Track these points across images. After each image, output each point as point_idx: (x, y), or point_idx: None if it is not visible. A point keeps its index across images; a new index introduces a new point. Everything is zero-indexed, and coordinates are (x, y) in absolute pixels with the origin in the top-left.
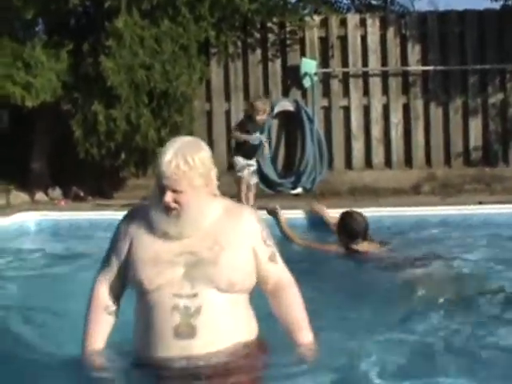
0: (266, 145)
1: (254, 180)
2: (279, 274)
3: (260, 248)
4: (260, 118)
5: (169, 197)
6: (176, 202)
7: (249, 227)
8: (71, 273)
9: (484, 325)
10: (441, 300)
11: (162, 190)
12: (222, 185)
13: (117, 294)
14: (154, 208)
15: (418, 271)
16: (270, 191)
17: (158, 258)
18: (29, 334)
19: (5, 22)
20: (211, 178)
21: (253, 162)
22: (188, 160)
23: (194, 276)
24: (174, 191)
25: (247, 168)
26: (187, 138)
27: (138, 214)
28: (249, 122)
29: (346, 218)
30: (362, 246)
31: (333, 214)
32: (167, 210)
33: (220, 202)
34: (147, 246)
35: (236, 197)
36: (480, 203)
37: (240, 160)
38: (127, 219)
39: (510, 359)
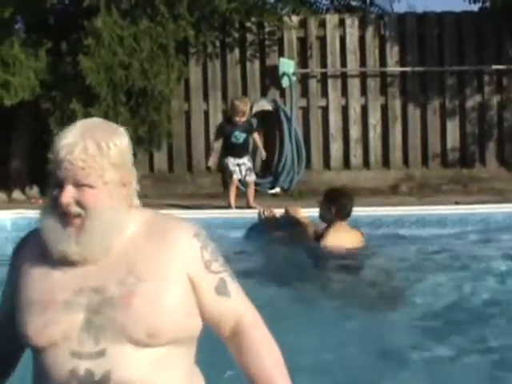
0: (257, 140)
1: (251, 178)
2: (236, 310)
3: (201, 277)
4: (239, 119)
5: (68, 194)
6: (79, 204)
7: (182, 248)
8: None
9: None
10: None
11: (59, 185)
12: (201, 187)
13: (9, 347)
14: (48, 220)
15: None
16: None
17: (48, 300)
18: None
19: None
20: (130, 177)
21: (244, 160)
22: (101, 144)
23: (98, 325)
24: (78, 186)
25: (238, 167)
26: (101, 120)
27: (34, 236)
28: (228, 124)
29: (333, 191)
30: (344, 227)
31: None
32: (66, 217)
33: (140, 213)
34: (36, 282)
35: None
36: (456, 203)
37: (231, 160)
38: (21, 244)
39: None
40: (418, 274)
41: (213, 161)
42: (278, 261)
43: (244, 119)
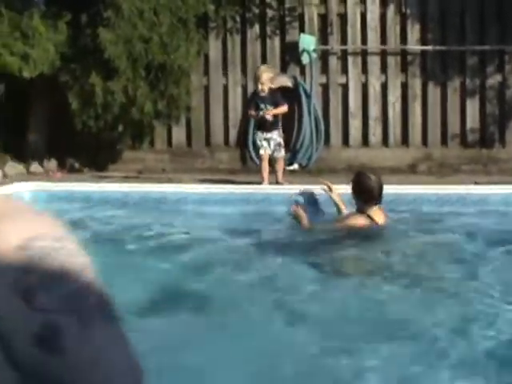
0: (269, 116)
1: (279, 154)
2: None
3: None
4: (261, 88)
5: None
6: None
7: None
8: None
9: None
10: None
11: None
12: (220, 161)
13: None
14: None
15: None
16: None
17: None
18: None
19: None
20: None
21: (272, 134)
22: None
23: None
24: None
25: (266, 141)
26: None
27: None
28: (256, 96)
29: (360, 177)
30: (376, 213)
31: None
32: None
33: None
34: None
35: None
36: (476, 183)
37: (259, 134)
38: None
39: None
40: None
41: (253, 113)
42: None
43: (266, 90)
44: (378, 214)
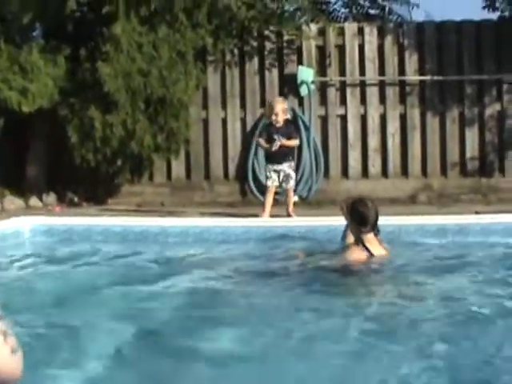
0: (276, 147)
1: (288, 184)
2: None
3: None
4: (275, 119)
5: None
6: None
7: None
8: (66, 277)
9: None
10: None
11: None
12: (219, 195)
13: None
14: None
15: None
16: None
17: None
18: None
19: (1, 25)
20: None
21: (284, 166)
22: None
23: None
24: None
25: (276, 173)
26: None
27: None
28: (269, 127)
29: (356, 203)
30: (372, 244)
31: (329, 221)
32: None
33: None
34: None
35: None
36: (477, 213)
37: (269, 166)
38: None
39: None
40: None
41: (262, 142)
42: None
43: (281, 122)
44: (374, 245)
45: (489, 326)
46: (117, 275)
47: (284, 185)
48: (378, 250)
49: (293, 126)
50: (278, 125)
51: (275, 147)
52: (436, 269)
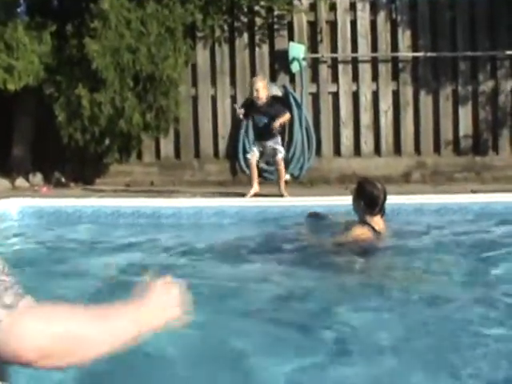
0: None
1: (277, 157)
2: None
3: None
4: (256, 97)
5: None
6: None
7: None
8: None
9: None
10: None
11: None
12: (209, 173)
13: None
14: None
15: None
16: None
17: None
18: None
19: None
20: None
21: (268, 143)
22: None
23: None
24: None
25: (258, 149)
26: None
27: None
28: (251, 105)
29: (364, 183)
30: (378, 224)
31: (323, 201)
32: None
33: None
34: None
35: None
36: (472, 192)
37: (255, 142)
38: None
39: None
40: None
41: (240, 111)
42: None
43: (263, 99)
44: (380, 224)
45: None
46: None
47: (272, 160)
48: (382, 228)
49: (278, 104)
50: (259, 102)
51: (239, 115)
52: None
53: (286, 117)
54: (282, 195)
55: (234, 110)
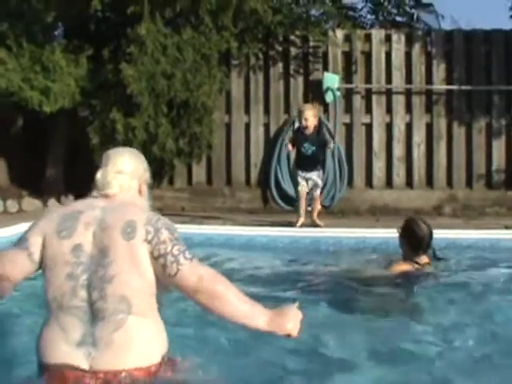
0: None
1: (315, 193)
2: None
3: None
4: (305, 125)
5: None
6: None
7: None
8: None
9: None
10: None
11: None
12: (240, 201)
13: None
14: None
15: None
16: (288, 208)
17: None
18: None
19: (24, 24)
20: None
21: (312, 174)
22: None
23: None
24: None
25: (305, 181)
26: None
27: None
28: (299, 133)
29: (410, 223)
30: (421, 259)
31: (352, 233)
32: None
33: None
34: None
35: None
36: (506, 228)
37: (299, 173)
38: None
39: None
40: None
41: (289, 147)
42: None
43: (311, 128)
44: (424, 260)
45: None
46: None
47: (311, 193)
48: (427, 264)
49: (323, 132)
50: (307, 131)
51: (290, 150)
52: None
53: (332, 145)
54: (316, 225)
55: (267, 138)
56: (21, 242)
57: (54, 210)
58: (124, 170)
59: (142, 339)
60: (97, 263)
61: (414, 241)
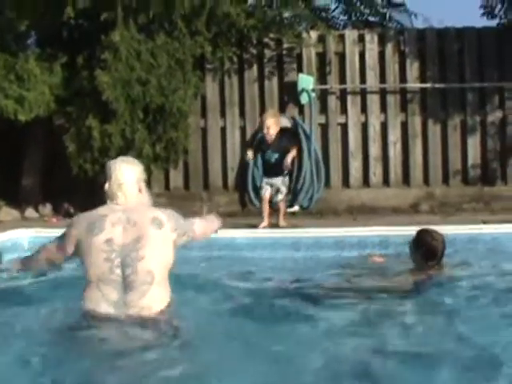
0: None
1: (277, 198)
2: None
3: None
4: (266, 133)
5: None
6: None
7: None
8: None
9: None
10: None
11: None
12: (218, 205)
13: None
14: None
15: None
16: None
17: None
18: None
19: None
20: None
21: (276, 180)
22: None
23: None
24: None
25: (269, 185)
26: None
27: None
28: (263, 140)
29: (423, 234)
30: (434, 269)
31: (332, 232)
32: None
33: None
34: None
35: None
36: (484, 223)
37: (264, 179)
38: None
39: None
40: None
41: (250, 154)
42: None
43: (273, 136)
44: (437, 268)
45: None
46: None
47: (274, 198)
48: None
49: (285, 139)
50: (269, 139)
51: (249, 160)
52: None
53: (294, 152)
54: (278, 225)
55: (243, 141)
56: (60, 240)
57: (82, 217)
58: (124, 181)
59: (158, 302)
60: (130, 249)
61: (429, 252)
